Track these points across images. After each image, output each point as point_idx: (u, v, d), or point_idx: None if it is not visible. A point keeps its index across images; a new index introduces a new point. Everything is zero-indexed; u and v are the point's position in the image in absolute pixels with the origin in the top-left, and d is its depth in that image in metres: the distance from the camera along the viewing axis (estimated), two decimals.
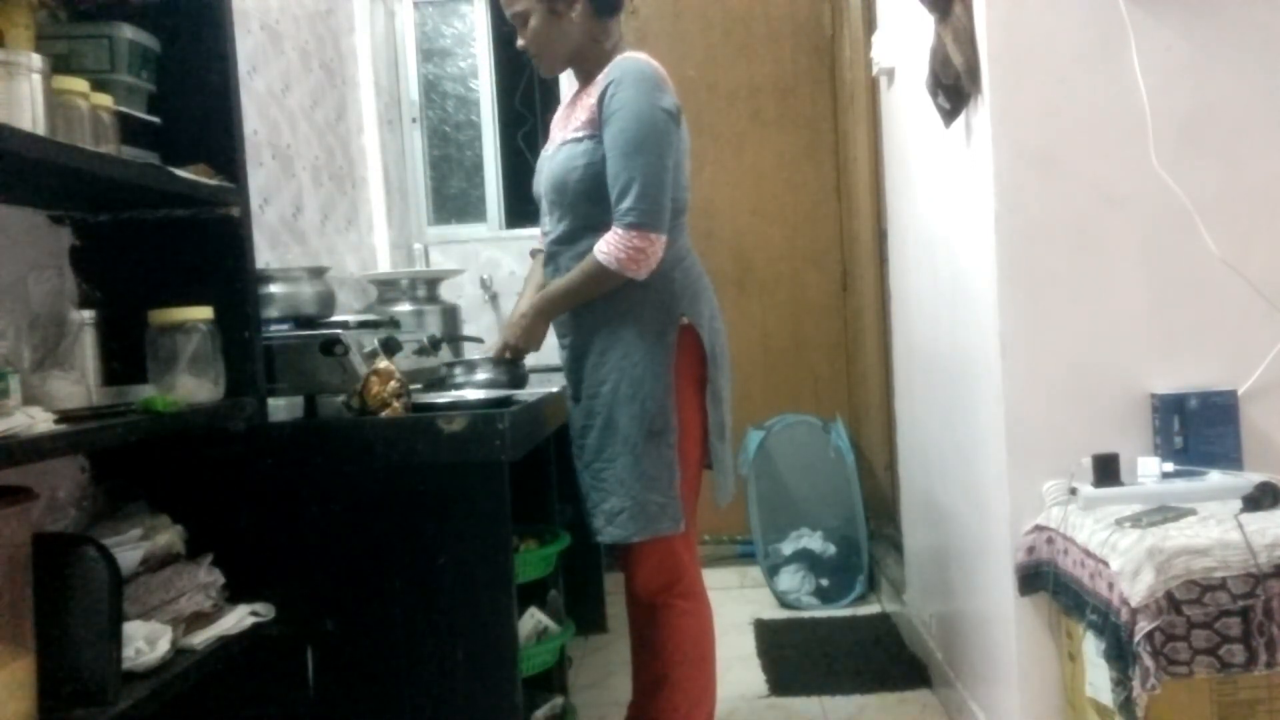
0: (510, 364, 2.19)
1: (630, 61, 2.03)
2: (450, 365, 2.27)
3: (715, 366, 2.11)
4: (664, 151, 1.98)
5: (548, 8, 2.06)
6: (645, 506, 2.01)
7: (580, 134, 2.04)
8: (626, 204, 1.95)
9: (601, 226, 2.00)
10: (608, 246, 1.97)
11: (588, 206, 2.03)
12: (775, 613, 3.52)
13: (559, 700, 2.42)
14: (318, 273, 2.24)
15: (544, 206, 2.17)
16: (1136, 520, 1.70)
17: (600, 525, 2.06)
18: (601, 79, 2.03)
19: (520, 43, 2.11)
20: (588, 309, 2.08)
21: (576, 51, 2.11)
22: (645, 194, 1.95)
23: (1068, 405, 1.96)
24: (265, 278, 2.12)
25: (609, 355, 2.05)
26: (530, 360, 2.26)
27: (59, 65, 1.45)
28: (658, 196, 1.97)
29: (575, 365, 2.14)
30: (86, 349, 1.56)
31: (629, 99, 1.97)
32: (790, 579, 3.63)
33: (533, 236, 2.33)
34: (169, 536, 1.61)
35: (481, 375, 2.19)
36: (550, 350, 2.22)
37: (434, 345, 2.50)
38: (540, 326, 2.14)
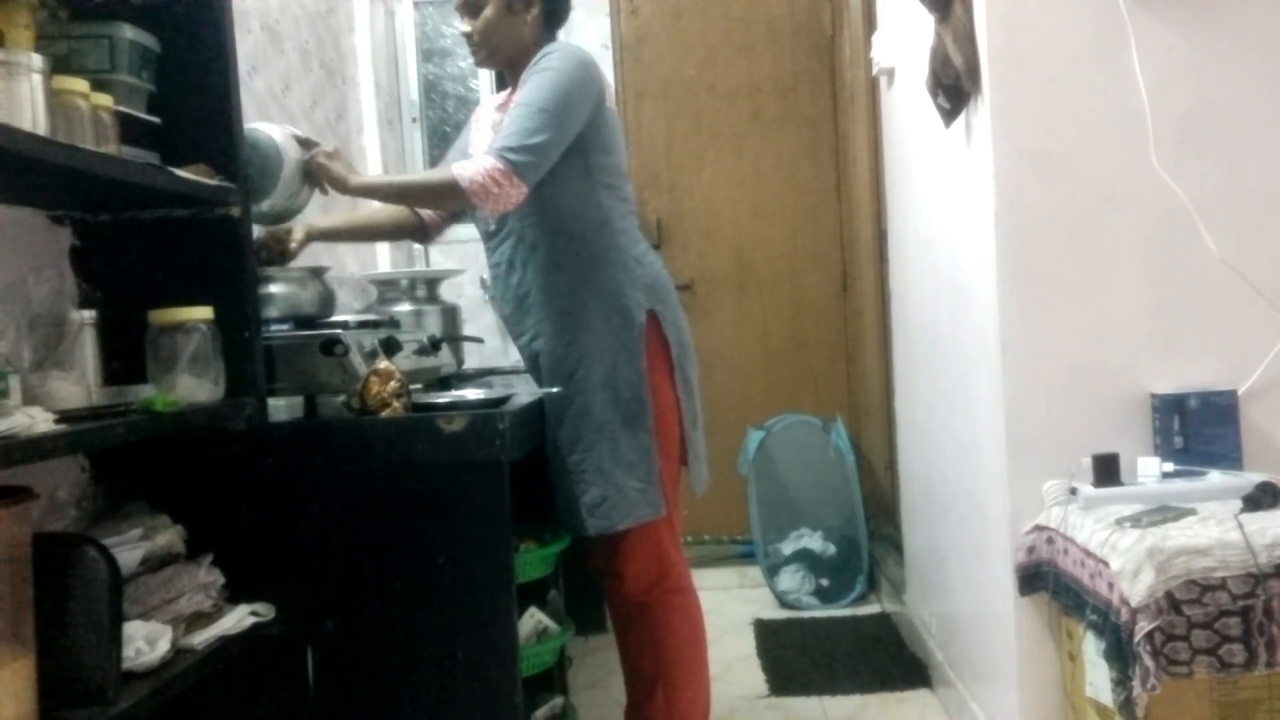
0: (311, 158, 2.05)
1: (570, 46, 2.08)
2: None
3: (683, 354, 2.14)
4: (569, 126, 1.98)
5: (506, 3, 2.08)
6: (627, 494, 2.02)
7: None
8: (513, 143, 1.92)
9: (559, 223, 2.04)
10: (471, 170, 1.92)
11: (547, 186, 2.02)
12: (775, 613, 3.52)
13: (559, 700, 2.42)
14: (318, 273, 2.23)
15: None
16: (1136, 520, 1.70)
17: (583, 518, 2.05)
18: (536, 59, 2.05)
19: (465, 28, 2.12)
20: (546, 301, 2.08)
21: (519, 53, 2.11)
22: (536, 148, 1.93)
23: (1068, 405, 1.96)
24: (265, 278, 2.11)
25: (575, 345, 2.07)
26: (511, 361, 2.26)
27: (59, 65, 1.45)
28: (544, 156, 1.96)
29: (536, 359, 2.14)
30: (86, 349, 1.55)
31: (561, 66, 1.99)
32: (790, 579, 3.63)
33: None
34: (169, 536, 1.61)
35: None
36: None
37: (434, 345, 2.50)
38: (349, 183, 2.04)
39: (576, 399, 2.06)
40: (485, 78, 4.13)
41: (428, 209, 2.19)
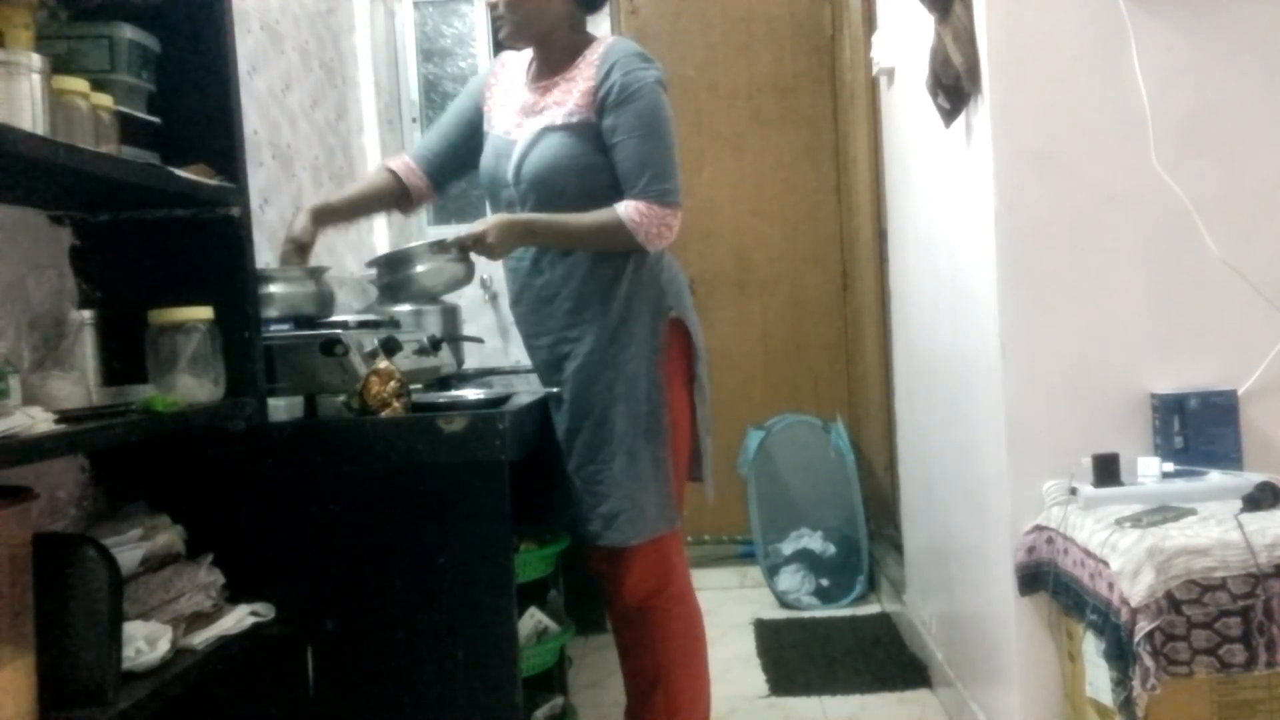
0: (462, 256, 2.12)
1: (624, 42, 2.09)
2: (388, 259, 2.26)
3: (700, 361, 2.13)
4: (674, 135, 2.07)
5: None
6: (644, 509, 2.01)
7: (574, 118, 2.01)
8: (666, 185, 2.00)
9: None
10: (639, 217, 1.97)
11: (580, 196, 2.00)
12: (775, 613, 3.52)
13: (559, 700, 2.42)
14: (317, 273, 2.23)
15: (511, 194, 2.09)
16: (1136, 520, 1.70)
17: (598, 529, 2.04)
18: (595, 60, 2.02)
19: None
20: (573, 308, 2.06)
21: (550, 32, 2.06)
22: (677, 175, 2.03)
23: (1068, 405, 1.96)
24: (265, 278, 2.11)
25: (600, 354, 2.04)
26: (511, 361, 2.26)
27: (59, 65, 1.45)
28: (679, 179, 2.04)
29: (557, 364, 2.10)
30: (86, 349, 1.55)
31: (646, 79, 2.01)
32: (790, 579, 3.63)
33: None
34: (169, 536, 1.61)
35: (422, 266, 2.19)
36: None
37: (434, 345, 2.50)
38: (520, 240, 2.03)
39: (596, 408, 2.03)
40: None
41: (595, 249, 2.07)
